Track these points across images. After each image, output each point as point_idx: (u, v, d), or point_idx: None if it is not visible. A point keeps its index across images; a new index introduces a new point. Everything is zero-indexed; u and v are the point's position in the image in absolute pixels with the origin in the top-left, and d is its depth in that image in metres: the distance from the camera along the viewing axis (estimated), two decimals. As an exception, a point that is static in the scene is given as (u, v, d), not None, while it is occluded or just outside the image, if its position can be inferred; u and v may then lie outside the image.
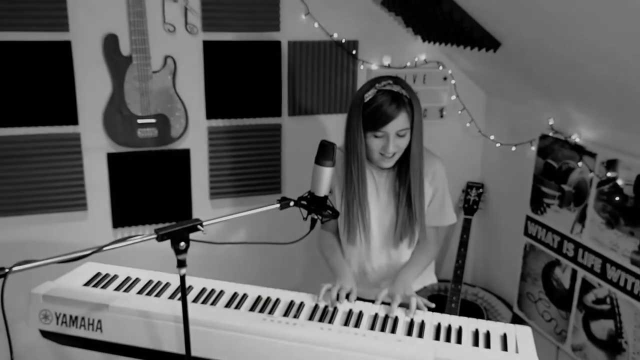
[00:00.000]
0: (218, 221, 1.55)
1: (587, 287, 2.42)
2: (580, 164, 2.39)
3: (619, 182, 2.21)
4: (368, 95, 1.87)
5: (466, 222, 3.07)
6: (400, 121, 1.85)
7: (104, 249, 1.39)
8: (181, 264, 1.47)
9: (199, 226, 1.49)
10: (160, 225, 2.55)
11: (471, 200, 3.12)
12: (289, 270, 2.98)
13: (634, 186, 2.14)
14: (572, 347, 2.52)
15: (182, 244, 1.46)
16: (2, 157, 2.37)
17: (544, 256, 2.66)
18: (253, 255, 2.89)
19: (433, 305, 1.84)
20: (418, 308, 1.78)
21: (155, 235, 1.45)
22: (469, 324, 1.74)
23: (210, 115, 2.62)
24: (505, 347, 1.63)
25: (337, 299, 1.82)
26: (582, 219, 2.41)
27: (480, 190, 3.12)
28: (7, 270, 1.28)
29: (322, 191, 1.68)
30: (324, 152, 1.66)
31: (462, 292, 3.06)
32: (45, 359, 2.67)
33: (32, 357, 2.64)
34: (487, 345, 1.63)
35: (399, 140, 1.88)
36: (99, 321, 1.71)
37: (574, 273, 2.48)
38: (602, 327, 2.35)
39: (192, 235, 1.48)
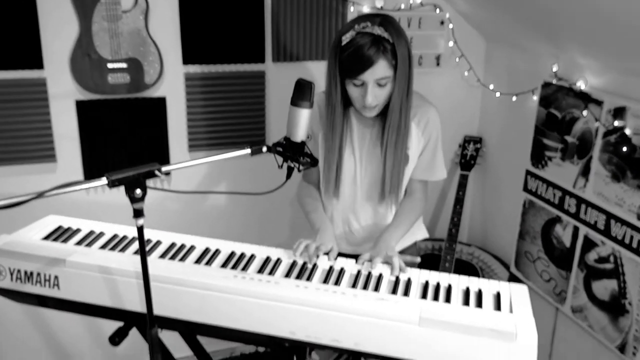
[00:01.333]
0: (179, 167, 1.39)
1: (589, 245, 2.27)
2: (585, 112, 2.21)
3: (627, 131, 2.03)
4: (346, 38, 1.67)
5: (462, 178, 2.91)
6: (380, 69, 1.65)
7: (46, 194, 1.23)
8: (138, 213, 1.31)
9: (156, 171, 1.33)
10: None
11: (468, 155, 2.95)
12: (275, 226, 2.83)
13: (644, 135, 1.97)
14: (572, 309, 2.39)
15: (138, 191, 1.30)
16: (-39, 103, 2.20)
17: (544, 213, 2.51)
18: (238, 211, 2.74)
19: (418, 260, 1.70)
20: (401, 269, 1.63)
21: (106, 181, 1.29)
22: (460, 282, 1.60)
23: (187, 60, 2.43)
24: (498, 307, 1.49)
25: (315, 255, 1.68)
26: (585, 172, 2.25)
27: (478, 145, 2.94)
28: None
29: (299, 136, 1.52)
30: (301, 91, 1.50)
31: (457, 252, 2.93)
32: (15, 311, 2.55)
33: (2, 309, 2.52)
34: (479, 304, 1.49)
35: (379, 90, 1.70)
36: (56, 277, 1.57)
37: (576, 230, 2.33)
38: (604, 287, 2.21)
39: (158, 185, 1.34)
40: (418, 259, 1.70)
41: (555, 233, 2.46)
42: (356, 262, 1.68)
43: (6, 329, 2.54)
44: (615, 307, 2.16)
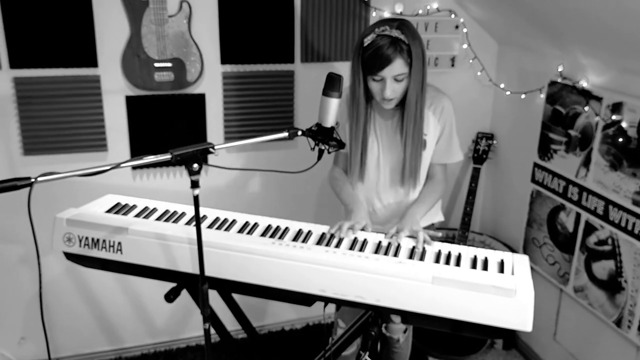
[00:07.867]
0: (229, 145, 1.64)
1: (589, 229, 2.48)
2: (586, 108, 2.43)
3: (624, 124, 2.25)
4: (367, 40, 1.91)
5: (475, 171, 3.13)
6: (397, 66, 1.89)
7: (122, 165, 1.49)
8: (194, 184, 1.56)
9: (211, 149, 1.57)
10: (177, 168, 2.65)
11: (481, 150, 3.16)
12: (303, 206, 3.06)
13: (638, 128, 2.18)
14: (574, 289, 2.60)
15: (195, 165, 1.55)
16: (25, 97, 2.47)
17: (550, 201, 2.72)
18: (268, 193, 2.98)
19: (440, 235, 1.92)
20: (425, 242, 1.86)
21: (169, 156, 1.54)
22: (469, 252, 1.82)
23: (224, 60, 2.69)
24: (502, 270, 1.71)
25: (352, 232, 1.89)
26: (587, 162, 2.46)
27: (490, 140, 3.16)
28: (32, 180, 1.38)
29: (329, 122, 1.76)
30: (331, 83, 1.73)
31: (469, 239, 3.14)
32: (69, 290, 2.82)
33: (57, 288, 2.79)
34: (485, 268, 1.72)
35: (397, 85, 1.94)
36: (119, 243, 1.82)
37: (578, 216, 2.54)
38: (602, 268, 2.42)
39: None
40: (440, 233, 1.93)
41: (559, 220, 2.67)
42: (385, 236, 1.91)
43: (58, 297, 2.82)
44: (612, 285, 2.37)
